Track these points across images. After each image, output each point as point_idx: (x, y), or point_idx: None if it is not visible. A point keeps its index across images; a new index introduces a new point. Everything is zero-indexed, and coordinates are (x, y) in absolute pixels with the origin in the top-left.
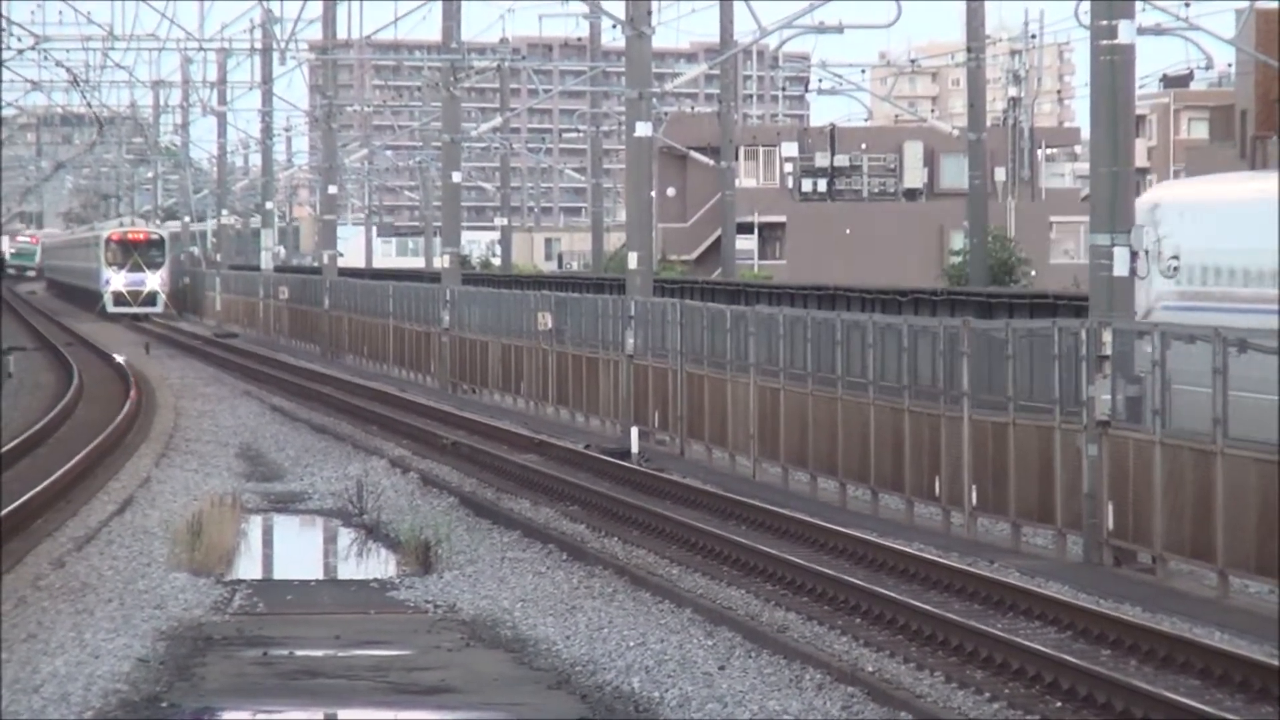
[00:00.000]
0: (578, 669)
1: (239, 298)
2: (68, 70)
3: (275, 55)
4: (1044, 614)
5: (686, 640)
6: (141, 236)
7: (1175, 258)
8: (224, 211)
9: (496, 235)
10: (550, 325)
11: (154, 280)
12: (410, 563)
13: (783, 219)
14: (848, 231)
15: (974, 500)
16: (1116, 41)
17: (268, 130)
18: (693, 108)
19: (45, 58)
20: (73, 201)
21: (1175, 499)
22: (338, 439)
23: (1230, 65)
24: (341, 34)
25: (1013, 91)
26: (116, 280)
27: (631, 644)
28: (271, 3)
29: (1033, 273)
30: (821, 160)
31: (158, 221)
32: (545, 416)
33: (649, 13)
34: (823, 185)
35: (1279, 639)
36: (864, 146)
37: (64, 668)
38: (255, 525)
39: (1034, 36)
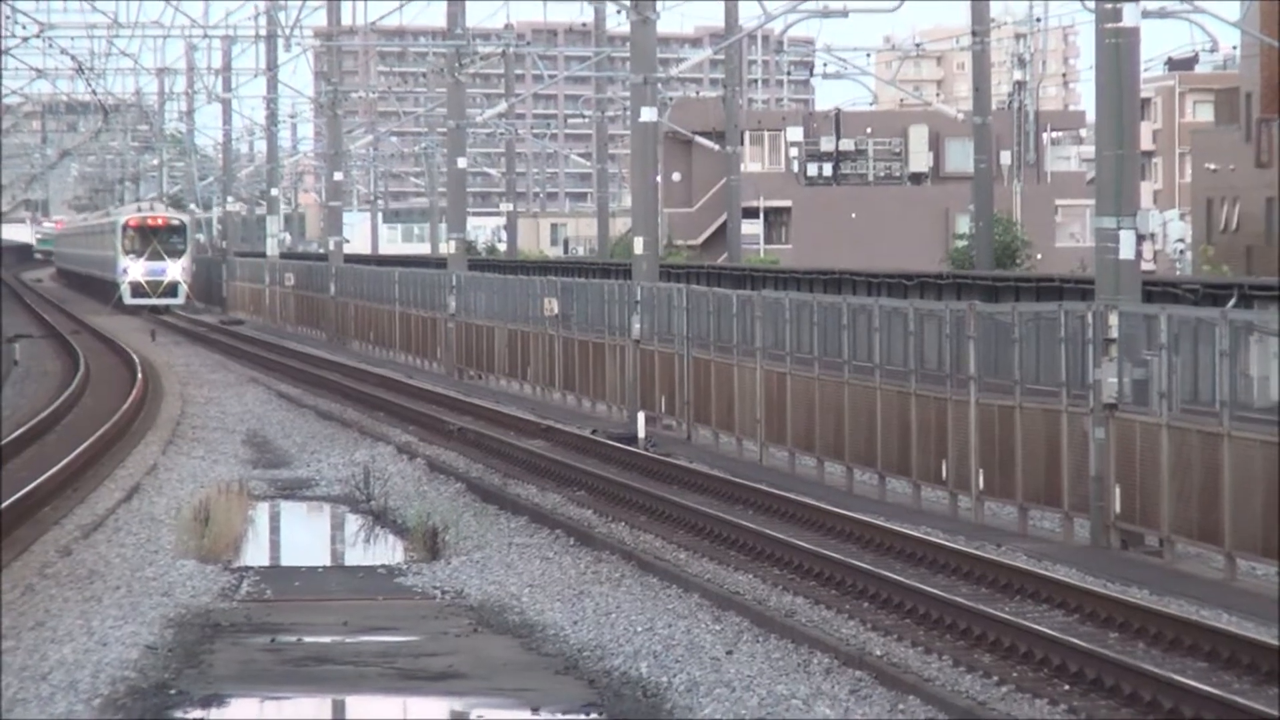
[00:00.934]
0: (585, 654)
1: (245, 284)
2: (73, 58)
3: (280, 42)
4: (1051, 597)
5: (694, 625)
6: (161, 222)
7: None
8: (229, 199)
9: (502, 221)
10: (556, 311)
11: (175, 269)
12: (418, 548)
13: (788, 203)
14: (853, 216)
15: (981, 484)
16: (1121, 25)
17: (273, 117)
18: (698, 92)
19: (50, 45)
20: (78, 189)
21: (1182, 482)
22: (344, 425)
23: (1235, 48)
24: (346, 20)
25: (1018, 75)
26: (135, 270)
27: (639, 629)
28: None
29: (1038, 256)
30: (827, 144)
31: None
32: (552, 402)
33: None
34: (828, 170)
35: (1279, 620)
36: (869, 131)
37: (72, 655)
38: (262, 512)
39: (1039, 20)
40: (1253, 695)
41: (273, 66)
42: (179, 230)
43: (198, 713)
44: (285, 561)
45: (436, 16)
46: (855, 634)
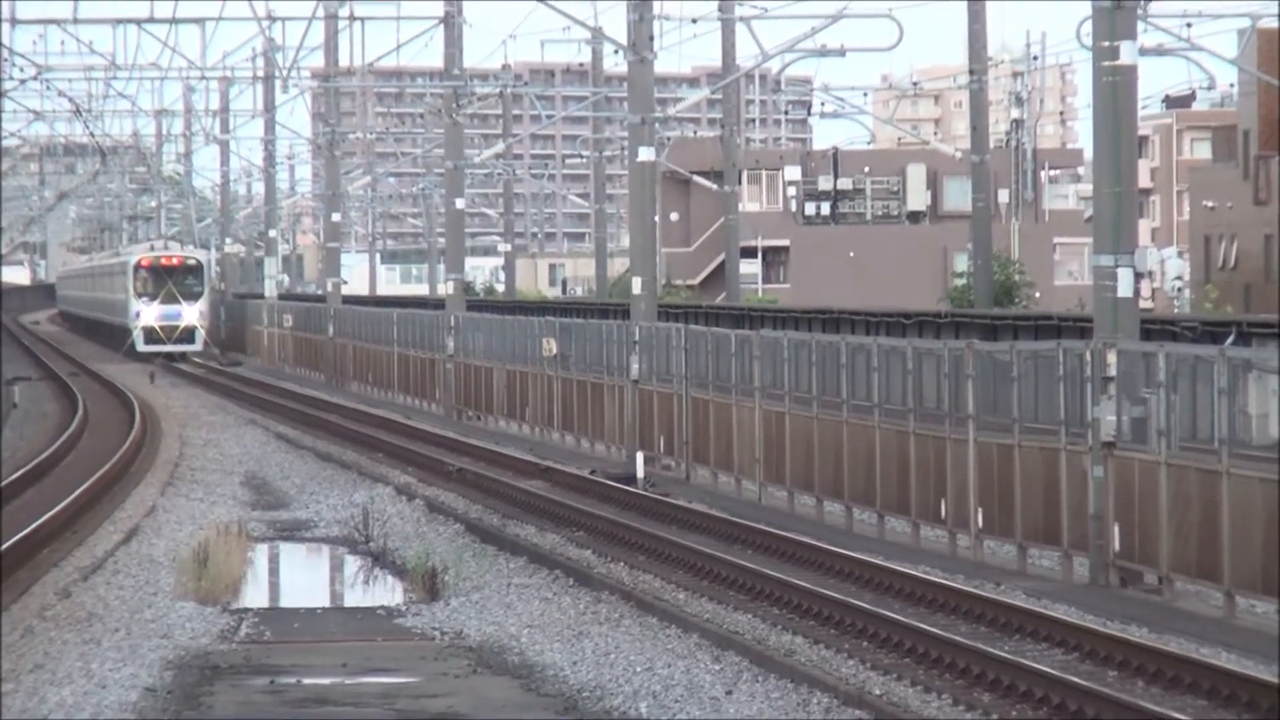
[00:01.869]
0: (585, 695)
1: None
2: (70, 100)
3: (277, 83)
4: (1050, 635)
5: (693, 665)
6: (176, 261)
7: None
8: (228, 240)
9: (500, 261)
10: (555, 351)
11: (192, 313)
12: (417, 589)
13: (786, 243)
14: (851, 255)
15: (980, 522)
16: (1119, 63)
17: (271, 158)
18: (695, 132)
19: (48, 87)
20: (76, 231)
21: (1181, 519)
22: (343, 466)
23: (1232, 85)
24: (344, 61)
25: (1015, 113)
26: (148, 314)
27: (639, 669)
28: (273, 29)
29: (1036, 294)
30: (825, 183)
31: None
32: (550, 442)
33: (651, 38)
34: (826, 208)
35: None
36: (867, 169)
37: (71, 697)
38: (261, 553)
39: (1036, 58)
40: None
41: (270, 108)
42: (196, 270)
43: None
44: (284, 603)
45: (434, 57)
46: (855, 673)
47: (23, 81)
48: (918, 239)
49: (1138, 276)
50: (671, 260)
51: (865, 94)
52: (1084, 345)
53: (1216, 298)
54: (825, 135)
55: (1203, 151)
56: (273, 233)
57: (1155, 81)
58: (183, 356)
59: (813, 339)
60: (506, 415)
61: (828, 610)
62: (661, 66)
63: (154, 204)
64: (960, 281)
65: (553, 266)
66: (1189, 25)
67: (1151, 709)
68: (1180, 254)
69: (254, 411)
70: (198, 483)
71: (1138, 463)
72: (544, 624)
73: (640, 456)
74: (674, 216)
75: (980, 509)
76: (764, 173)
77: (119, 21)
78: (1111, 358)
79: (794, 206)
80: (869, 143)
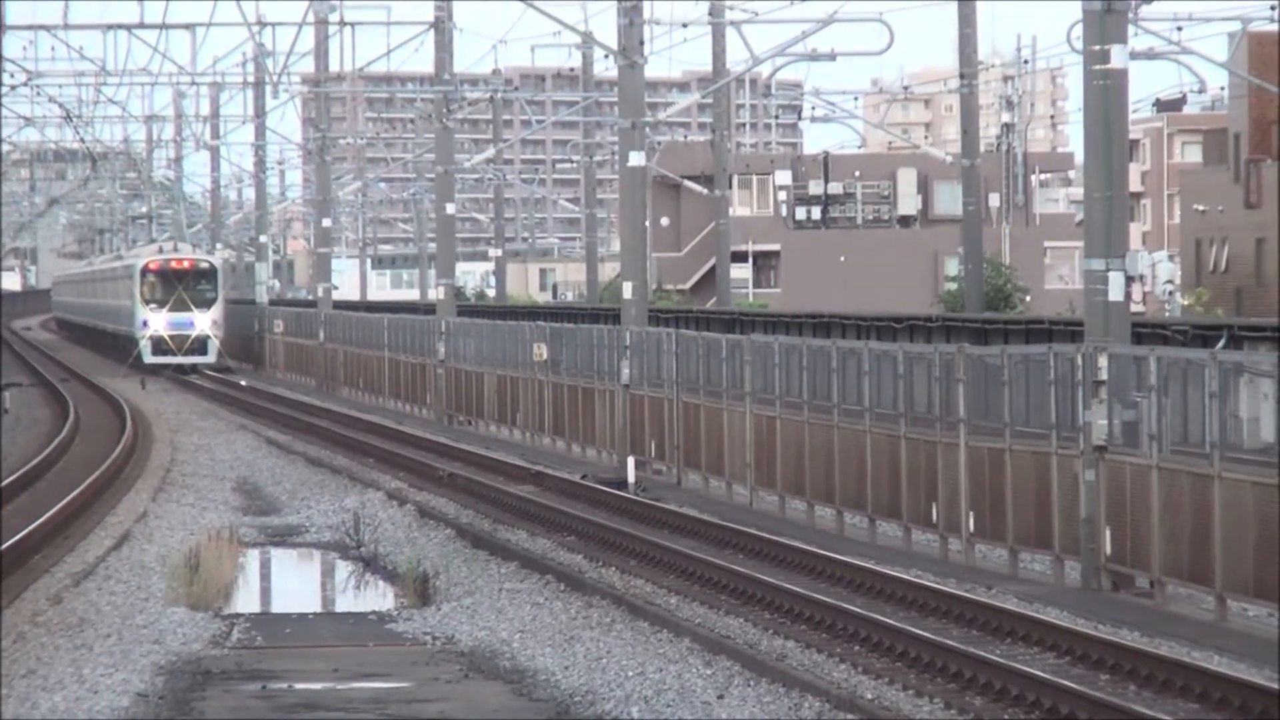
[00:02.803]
0: (577, 699)
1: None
2: (60, 106)
3: (268, 88)
4: (1042, 639)
5: (685, 669)
6: (188, 265)
7: None
8: (218, 245)
9: (491, 266)
10: (546, 356)
11: (204, 321)
12: (408, 594)
13: (777, 247)
14: (842, 259)
15: (971, 526)
16: (1109, 66)
17: (261, 164)
18: (686, 137)
19: (38, 93)
20: (66, 237)
21: (1173, 523)
22: (334, 472)
23: (1223, 89)
24: (334, 66)
25: (1006, 117)
26: (156, 322)
27: (630, 673)
28: (264, 35)
29: (1028, 298)
30: (815, 188)
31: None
32: (541, 447)
33: (641, 42)
34: (817, 213)
35: None
36: (858, 174)
37: (63, 703)
38: (253, 559)
39: (1027, 62)
40: None
41: (261, 113)
42: (208, 275)
43: None
44: (276, 608)
45: (424, 62)
46: (847, 677)
47: (13, 87)
48: (908, 243)
49: (1129, 280)
50: (662, 265)
51: (856, 98)
52: (1075, 349)
53: (1207, 301)
54: (816, 140)
55: (1193, 155)
56: (263, 238)
57: (1146, 85)
58: (193, 369)
59: (804, 343)
60: (497, 420)
61: (819, 614)
62: (652, 71)
63: (145, 209)
64: (951, 285)
65: (543, 271)
66: (1179, 29)
67: (1144, 713)
68: (1171, 258)
69: (245, 417)
70: (189, 488)
71: (1129, 466)
72: (535, 629)
73: (631, 461)
74: (664, 221)
75: (972, 513)
76: (754, 177)
77: (109, 27)
78: (1103, 361)
79: (785, 211)
80: (859, 147)
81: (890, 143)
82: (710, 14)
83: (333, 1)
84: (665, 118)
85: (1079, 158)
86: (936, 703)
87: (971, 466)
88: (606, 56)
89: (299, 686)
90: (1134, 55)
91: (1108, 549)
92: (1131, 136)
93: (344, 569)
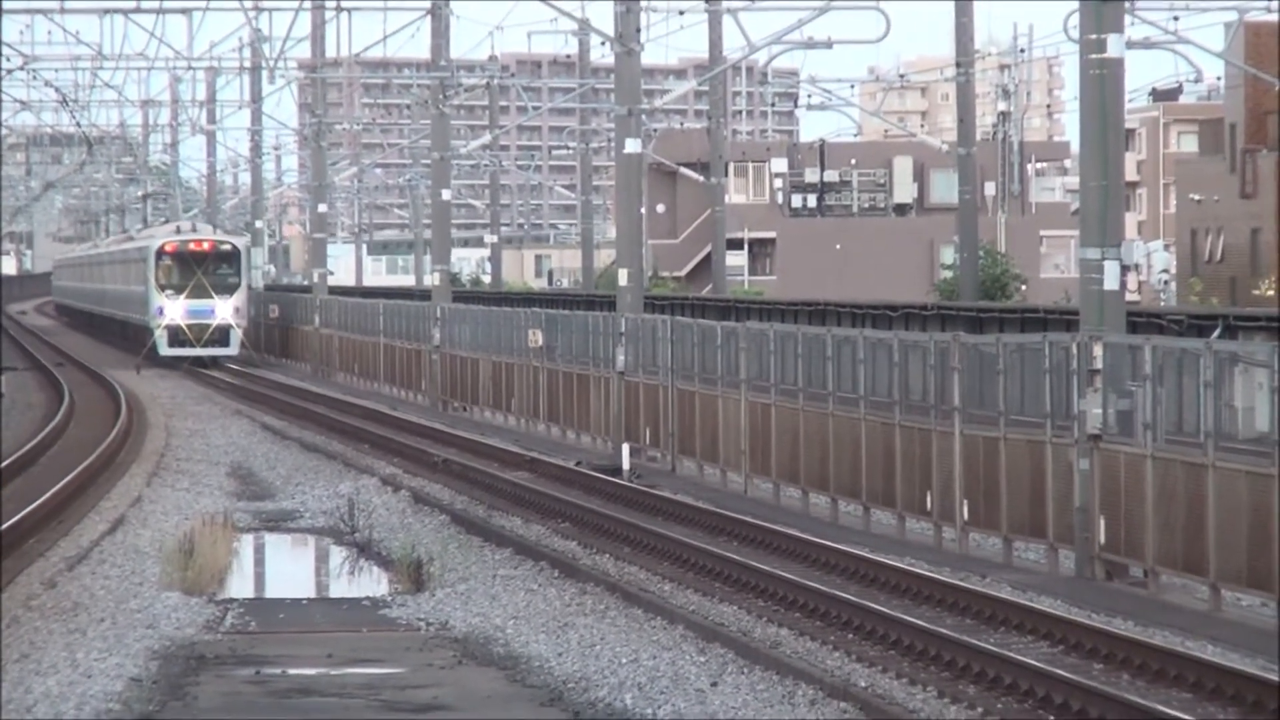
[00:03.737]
0: (570, 686)
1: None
2: (57, 90)
3: (264, 74)
4: (1036, 628)
5: (679, 657)
6: (208, 246)
7: None
8: (214, 230)
9: (486, 252)
10: (541, 342)
11: (226, 309)
12: (402, 580)
13: (773, 235)
14: (838, 247)
15: (965, 515)
16: (1105, 55)
17: (257, 149)
18: (682, 124)
19: (34, 77)
20: (62, 221)
21: (1167, 513)
22: (329, 457)
23: (1219, 78)
24: (330, 52)
25: (1002, 106)
26: (173, 310)
27: (624, 661)
28: (260, 20)
29: (1023, 287)
30: (811, 176)
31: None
32: (536, 434)
33: (638, 29)
34: (813, 201)
35: None
36: (853, 162)
37: (57, 688)
38: (247, 544)
39: (1023, 51)
40: None
41: (257, 99)
42: (231, 257)
43: None
44: (270, 594)
45: (420, 48)
46: (840, 665)
47: (10, 72)
48: (904, 231)
49: (1124, 269)
50: (658, 252)
51: (852, 86)
52: (1070, 338)
53: (1202, 291)
54: (812, 127)
55: (1189, 145)
56: (259, 223)
57: (1142, 74)
58: (214, 362)
59: (799, 331)
60: (492, 406)
61: (813, 602)
62: (648, 58)
63: (140, 194)
64: (947, 274)
65: (539, 258)
66: (1176, 18)
67: (1137, 702)
68: (1166, 247)
69: (240, 402)
70: (184, 473)
71: (1123, 456)
72: (529, 615)
73: (626, 448)
74: (660, 208)
75: (966, 501)
76: (750, 165)
77: (106, 11)
78: (1097, 350)
79: (780, 198)
80: (855, 135)
81: (886, 131)
82: (707, 2)
83: None
84: (662, 105)
85: (1075, 147)
86: (930, 691)
87: (966, 455)
88: (603, 43)
89: (292, 672)
90: (1130, 44)
91: (1102, 538)
92: (1127, 126)
93: (338, 554)
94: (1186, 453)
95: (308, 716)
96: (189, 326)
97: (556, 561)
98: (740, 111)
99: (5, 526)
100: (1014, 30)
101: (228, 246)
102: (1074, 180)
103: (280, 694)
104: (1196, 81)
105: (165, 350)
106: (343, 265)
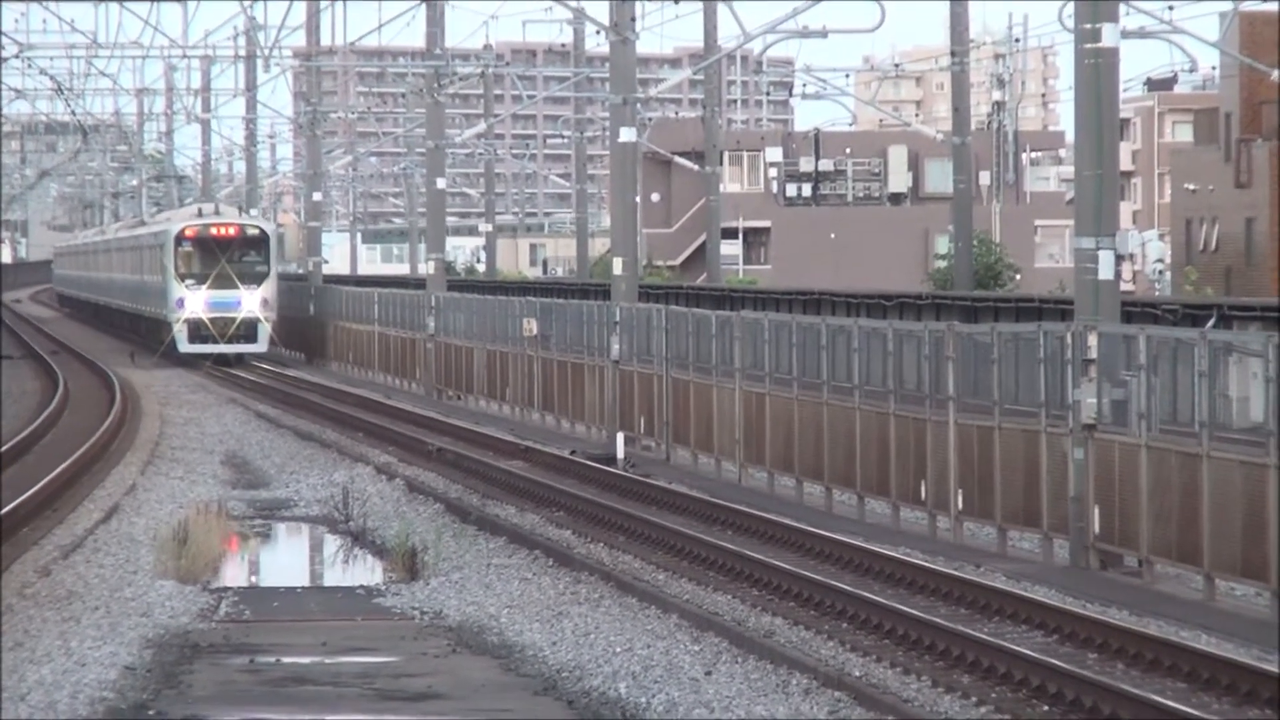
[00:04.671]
0: (564, 675)
1: None
2: (52, 78)
3: (259, 62)
4: (1030, 618)
5: (673, 645)
6: (233, 231)
7: None
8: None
9: (481, 241)
10: (535, 331)
11: (253, 301)
12: (397, 569)
13: (767, 224)
14: (832, 236)
15: (960, 504)
16: (1101, 45)
17: (252, 137)
18: (677, 113)
19: (29, 65)
20: (57, 209)
21: (1161, 502)
22: (323, 446)
23: (1214, 68)
24: (325, 40)
25: (997, 95)
26: (194, 302)
27: (618, 649)
28: (255, 8)
29: (1018, 276)
30: (806, 165)
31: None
32: (531, 422)
33: (633, 18)
34: (807, 190)
35: None
36: (848, 151)
37: (50, 676)
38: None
39: (1018, 40)
40: (1233, 716)
41: (252, 87)
42: (259, 243)
43: None
44: (264, 582)
45: (415, 37)
46: (834, 655)
47: (4, 60)
48: (899, 221)
49: (1119, 259)
50: (652, 241)
51: (847, 75)
52: (1065, 327)
53: (1196, 280)
54: (807, 117)
55: (1184, 134)
56: (254, 212)
57: (1137, 64)
58: (238, 360)
59: (793, 320)
60: (487, 395)
61: (807, 591)
62: (643, 47)
63: (135, 182)
64: (943, 263)
65: (534, 247)
66: (1171, 8)
67: (1131, 691)
68: (1161, 237)
69: (234, 390)
70: (178, 461)
71: (1118, 445)
72: (523, 604)
73: (620, 437)
74: (655, 197)
75: (960, 491)
76: (745, 154)
77: (101, 0)
78: (1092, 340)
79: (775, 188)
80: (850, 124)
81: (881, 120)
82: None
83: None
84: (657, 94)
85: (1070, 136)
86: (924, 680)
87: (960, 444)
88: (598, 32)
89: (287, 660)
90: (1125, 34)
91: (1096, 528)
92: (1122, 115)
93: (332, 543)
94: (1181, 442)
95: (302, 705)
96: (212, 320)
97: (551, 550)
98: (735, 101)
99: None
100: (1009, 20)
101: (255, 231)
102: (1069, 170)
103: (274, 682)
104: (1191, 71)
105: (185, 347)
106: (337, 254)
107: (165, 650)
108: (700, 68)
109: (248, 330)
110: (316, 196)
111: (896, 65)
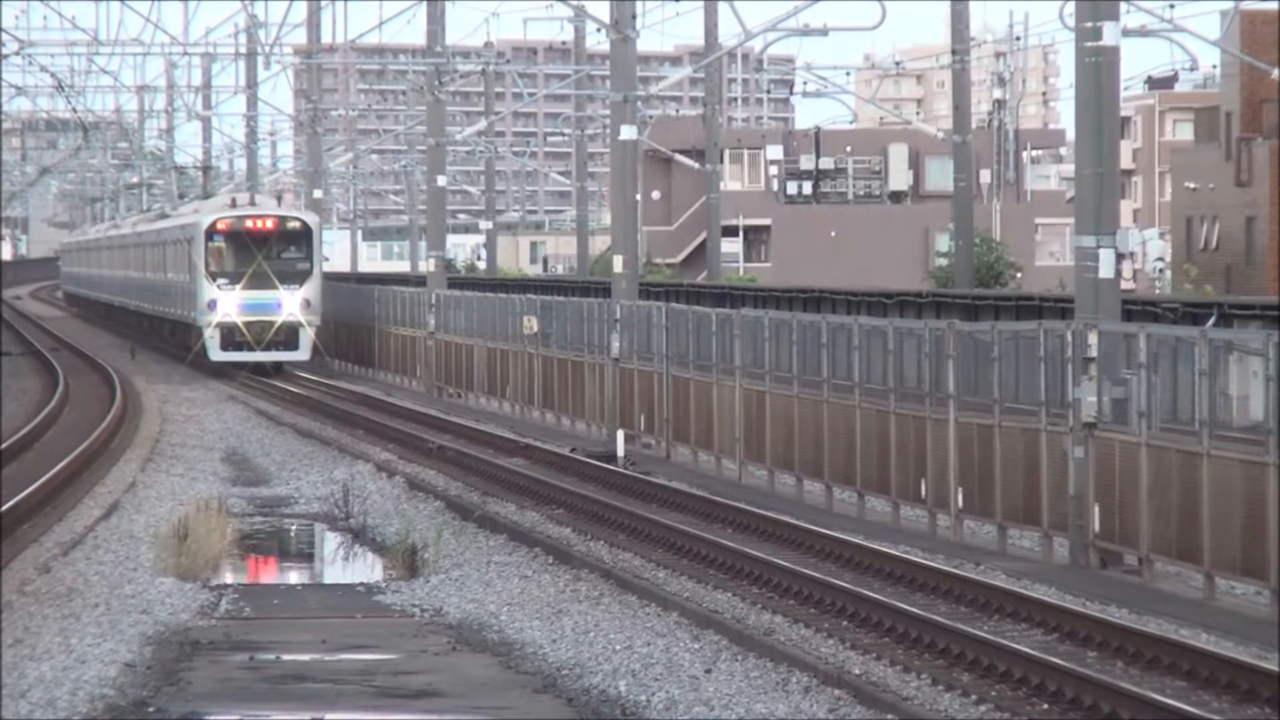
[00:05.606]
0: (564, 672)
1: None
2: (52, 75)
3: (260, 60)
4: (1030, 616)
5: (673, 643)
6: (271, 224)
7: None
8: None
9: (482, 239)
10: (536, 329)
11: (294, 303)
12: (396, 566)
13: (768, 222)
14: (833, 234)
15: (960, 503)
16: (1101, 43)
17: (253, 135)
18: (677, 111)
19: (30, 62)
20: (58, 206)
21: (1161, 501)
22: (323, 443)
23: (1215, 67)
24: (326, 38)
25: (998, 93)
26: (227, 304)
27: (618, 647)
28: (256, 6)
29: (1018, 274)
30: (806, 163)
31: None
32: (531, 420)
33: (633, 16)
34: (808, 188)
35: None
36: (849, 149)
37: (50, 673)
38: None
39: (1019, 38)
40: (1232, 715)
41: (253, 84)
42: (300, 237)
43: None
44: (264, 579)
45: (416, 34)
46: (834, 653)
47: (5, 56)
48: (899, 219)
49: (1119, 257)
50: (653, 239)
51: (848, 73)
52: (1065, 326)
53: (1196, 278)
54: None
55: (1185, 133)
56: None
57: (1138, 62)
58: (276, 369)
59: (794, 318)
60: (487, 393)
61: (807, 589)
62: (644, 45)
63: (135, 180)
64: (942, 262)
65: (534, 244)
66: (1172, 6)
67: (1131, 690)
68: (1162, 235)
69: (234, 388)
70: (178, 459)
71: (1118, 444)
72: (523, 602)
73: (620, 435)
74: (655, 195)
75: (960, 489)
76: (746, 152)
77: None
78: (1093, 338)
79: (775, 186)
80: (851, 122)
81: (882, 118)
82: None
83: None
84: (657, 92)
85: (1070, 134)
86: (924, 678)
87: (961, 442)
88: (599, 30)
89: (287, 657)
90: (1126, 32)
91: (1096, 526)
92: (1123, 114)
93: (332, 540)
94: (1181, 441)
95: (302, 702)
96: (247, 325)
97: (551, 548)
98: (736, 98)
99: (0, 511)
100: (1010, 18)
101: (296, 224)
102: (1069, 168)
103: (274, 679)
104: (1192, 69)
105: (217, 355)
106: (338, 251)
107: (165, 647)
108: (701, 65)
109: (288, 336)
110: (317, 194)
111: (897, 63)
